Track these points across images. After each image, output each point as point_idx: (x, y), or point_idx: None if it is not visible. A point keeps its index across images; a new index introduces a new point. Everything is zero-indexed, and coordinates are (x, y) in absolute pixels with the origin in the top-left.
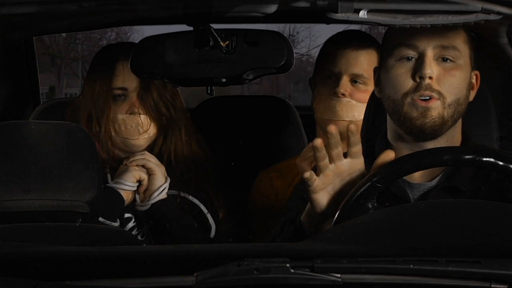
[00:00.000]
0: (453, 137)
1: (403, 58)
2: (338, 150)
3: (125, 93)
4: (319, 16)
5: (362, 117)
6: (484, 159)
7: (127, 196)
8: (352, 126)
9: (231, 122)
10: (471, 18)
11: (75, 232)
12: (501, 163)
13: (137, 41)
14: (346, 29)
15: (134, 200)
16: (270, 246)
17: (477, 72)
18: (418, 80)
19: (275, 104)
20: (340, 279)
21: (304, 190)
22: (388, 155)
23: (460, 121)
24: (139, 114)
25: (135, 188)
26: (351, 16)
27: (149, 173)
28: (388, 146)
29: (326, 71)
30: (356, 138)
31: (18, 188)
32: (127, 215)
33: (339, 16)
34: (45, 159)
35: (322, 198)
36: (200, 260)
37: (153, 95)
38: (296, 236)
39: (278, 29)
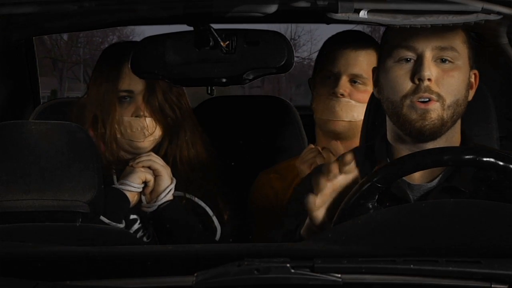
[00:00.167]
0: (452, 137)
1: (401, 60)
2: (334, 171)
3: (130, 96)
4: (319, 16)
5: (361, 117)
6: (484, 159)
7: (132, 198)
8: (348, 156)
9: (231, 122)
10: (471, 18)
11: (75, 232)
12: (501, 163)
13: None
14: (352, 29)
15: (139, 201)
16: (270, 246)
17: (475, 71)
18: (417, 82)
19: (275, 104)
20: (340, 279)
21: (303, 192)
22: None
23: (459, 121)
24: (145, 117)
25: (140, 190)
26: (351, 16)
27: (155, 174)
28: (388, 147)
29: (325, 72)
30: (349, 158)
31: (18, 188)
32: (132, 216)
33: (339, 16)
34: (45, 159)
35: (321, 214)
36: (200, 260)
37: (159, 97)
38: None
39: (280, 31)
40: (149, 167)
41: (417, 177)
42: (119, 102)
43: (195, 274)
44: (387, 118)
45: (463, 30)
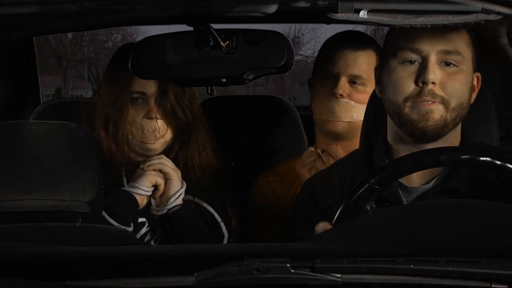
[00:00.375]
0: (453, 139)
1: (406, 61)
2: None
3: (143, 97)
4: (319, 16)
5: (360, 118)
6: (482, 158)
7: (142, 201)
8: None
9: (231, 122)
10: (471, 18)
11: (75, 232)
12: (498, 162)
13: None
14: (351, 29)
15: (148, 204)
16: (270, 246)
17: (478, 74)
18: (420, 85)
19: (275, 104)
20: (340, 279)
21: (312, 186)
22: None
23: (460, 123)
24: (157, 119)
25: (150, 193)
26: (351, 16)
27: (166, 177)
28: (388, 147)
29: (325, 72)
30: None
31: (18, 188)
32: (140, 219)
33: (339, 16)
34: (45, 159)
35: None
36: (200, 260)
37: (171, 100)
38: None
39: (283, 31)
40: (160, 170)
41: (413, 179)
42: (131, 103)
43: (195, 274)
44: (388, 119)
45: (467, 33)
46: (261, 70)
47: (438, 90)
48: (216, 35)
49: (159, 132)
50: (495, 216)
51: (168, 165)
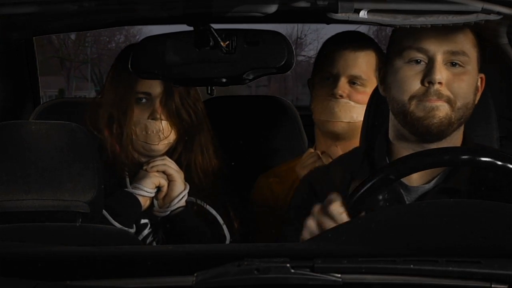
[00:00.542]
0: (457, 139)
1: (411, 61)
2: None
3: (148, 98)
4: (319, 16)
5: (360, 118)
6: (500, 162)
7: (144, 202)
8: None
9: (231, 122)
10: (471, 18)
11: (75, 232)
12: (499, 163)
13: None
14: (350, 29)
15: (151, 205)
16: (270, 246)
17: (482, 75)
18: (427, 85)
19: (275, 104)
20: (340, 279)
21: (309, 186)
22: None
23: (463, 124)
24: (161, 120)
25: (153, 194)
26: (351, 16)
27: (169, 179)
28: (389, 146)
29: (324, 73)
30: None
31: (18, 188)
32: (143, 221)
33: (339, 16)
34: (45, 159)
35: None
36: (200, 260)
37: (176, 101)
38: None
39: (286, 32)
40: (163, 172)
41: (414, 178)
42: (136, 103)
43: (195, 274)
44: (391, 117)
45: (473, 34)
46: (261, 70)
47: (444, 90)
48: (216, 35)
49: (163, 133)
50: (495, 216)
51: (171, 166)
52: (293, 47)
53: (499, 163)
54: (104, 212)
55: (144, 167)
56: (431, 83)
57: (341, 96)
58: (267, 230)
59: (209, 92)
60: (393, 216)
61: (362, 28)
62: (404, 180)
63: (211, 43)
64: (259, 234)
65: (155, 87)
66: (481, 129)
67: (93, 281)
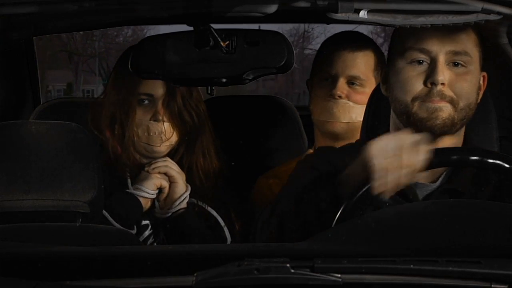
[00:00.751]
0: (459, 139)
1: (414, 61)
2: None
3: (150, 99)
4: (319, 16)
5: (359, 118)
6: (507, 165)
7: (145, 203)
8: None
9: (231, 122)
10: (471, 18)
11: (75, 232)
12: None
13: None
14: (349, 29)
15: (152, 207)
16: (270, 246)
17: (484, 74)
18: (429, 85)
19: (275, 104)
20: (340, 279)
21: (307, 166)
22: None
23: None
24: (163, 121)
25: (154, 196)
26: (351, 16)
27: (171, 180)
28: None
29: (323, 73)
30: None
31: (18, 188)
32: (144, 222)
33: (339, 16)
34: (45, 159)
35: None
36: (200, 260)
37: (178, 102)
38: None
39: (292, 26)
40: (165, 173)
41: (422, 176)
42: (138, 104)
43: (195, 274)
44: (392, 117)
45: (475, 33)
46: (261, 70)
47: (447, 91)
48: (216, 35)
49: (165, 134)
50: (495, 216)
51: (173, 168)
52: (292, 47)
53: (500, 163)
54: (105, 213)
55: (146, 168)
56: (434, 84)
57: (340, 97)
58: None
59: (209, 92)
60: (393, 216)
61: (363, 28)
62: None
63: (211, 43)
64: (258, 234)
65: (158, 89)
66: (481, 129)
67: (93, 281)
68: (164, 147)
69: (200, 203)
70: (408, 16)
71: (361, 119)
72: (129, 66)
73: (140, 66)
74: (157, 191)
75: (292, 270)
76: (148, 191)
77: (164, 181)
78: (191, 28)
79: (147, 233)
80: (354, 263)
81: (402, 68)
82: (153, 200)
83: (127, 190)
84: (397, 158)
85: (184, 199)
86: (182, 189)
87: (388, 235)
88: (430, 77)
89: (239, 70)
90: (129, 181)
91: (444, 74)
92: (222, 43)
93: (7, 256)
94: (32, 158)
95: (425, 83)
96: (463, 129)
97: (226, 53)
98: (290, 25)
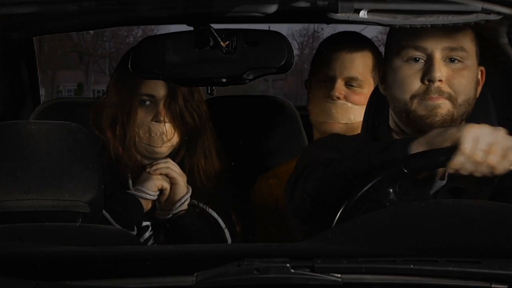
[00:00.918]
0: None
1: (410, 59)
2: None
3: (152, 100)
4: (319, 16)
5: (358, 119)
6: None
7: (146, 205)
8: None
9: (231, 122)
10: (471, 18)
11: (75, 232)
12: None
13: None
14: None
15: (153, 208)
16: (270, 246)
17: (482, 68)
18: (427, 83)
19: (275, 104)
20: (340, 279)
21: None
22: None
23: (464, 121)
24: (165, 122)
25: (155, 197)
26: (351, 16)
27: (172, 182)
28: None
29: (321, 74)
30: None
31: (18, 188)
32: (144, 223)
33: (339, 16)
34: (45, 159)
35: None
36: (200, 260)
37: (179, 103)
38: None
39: (302, 26)
40: (166, 175)
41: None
42: (139, 105)
43: (195, 274)
44: (392, 116)
45: (470, 28)
46: (261, 70)
47: (445, 87)
48: (216, 35)
49: (167, 135)
50: (495, 216)
51: (174, 169)
52: (292, 47)
53: None
54: (106, 213)
55: (147, 170)
56: (431, 81)
57: (338, 98)
58: (267, 230)
59: (209, 92)
60: (393, 216)
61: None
62: None
63: (211, 43)
64: (258, 234)
65: (159, 90)
66: None
67: (93, 281)
68: (165, 148)
69: (201, 204)
70: (408, 16)
71: (360, 119)
72: (129, 66)
73: (140, 66)
74: (158, 193)
75: (292, 270)
76: (149, 192)
77: (165, 183)
78: (191, 28)
79: (147, 234)
80: (354, 263)
81: (399, 67)
82: (154, 201)
83: (128, 191)
84: (485, 153)
85: (185, 201)
86: (183, 191)
87: (388, 235)
88: (427, 74)
89: (239, 70)
90: (130, 182)
91: (441, 70)
92: (222, 43)
93: (7, 256)
94: (32, 158)
95: (422, 81)
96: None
97: (226, 53)
98: (300, 25)
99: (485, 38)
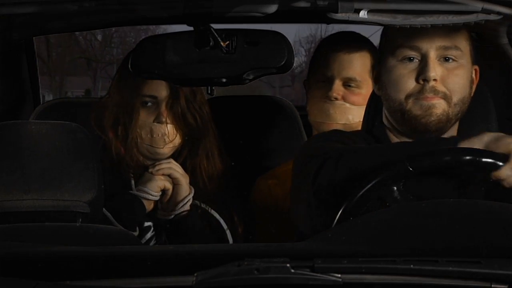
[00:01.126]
0: (453, 135)
1: (405, 59)
2: None
3: (154, 101)
4: (319, 16)
5: (356, 119)
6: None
7: (148, 205)
8: None
9: (231, 122)
10: (471, 18)
11: (75, 232)
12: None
13: None
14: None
15: (155, 208)
16: (270, 246)
17: (476, 67)
18: (422, 82)
19: (275, 104)
20: (340, 279)
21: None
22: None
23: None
24: (167, 123)
25: (158, 198)
26: (351, 16)
27: (174, 183)
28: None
29: (320, 75)
30: None
31: (18, 188)
32: (146, 224)
33: (339, 16)
34: (45, 159)
35: None
36: (200, 260)
37: (182, 104)
38: None
39: (311, 26)
40: (169, 175)
41: None
42: (142, 106)
43: (195, 274)
44: (386, 116)
45: (464, 27)
46: (261, 70)
47: (439, 87)
48: (216, 35)
49: (169, 136)
50: (495, 216)
51: (177, 170)
52: (292, 47)
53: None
54: (108, 214)
55: (150, 170)
56: (426, 80)
57: (336, 99)
58: (267, 231)
59: (209, 92)
60: (393, 216)
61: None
62: None
63: (211, 43)
64: (258, 235)
65: (161, 91)
66: (481, 129)
67: (93, 281)
68: (167, 149)
69: (203, 205)
70: (408, 16)
71: (358, 120)
72: (129, 66)
73: (140, 66)
74: (160, 193)
75: (292, 270)
76: (151, 193)
77: (168, 183)
78: (191, 28)
79: (149, 235)
80: (354, 263)
81: (393, 67)
82: (156, 202)
83: (131, 192)
84: None
85: (187, 202)
86: (185, 192)
87: (388, 235)
88: (421, 74)
89: (239, 70)
90: (132, 182)
91: (435, 70)
92: (222, 43)
93: (7, 256)
94: (32, 158)
95: (417, 80)
96: (456, 125)
97: (226, 53)
98: (309, 25)
99: (485, 38)
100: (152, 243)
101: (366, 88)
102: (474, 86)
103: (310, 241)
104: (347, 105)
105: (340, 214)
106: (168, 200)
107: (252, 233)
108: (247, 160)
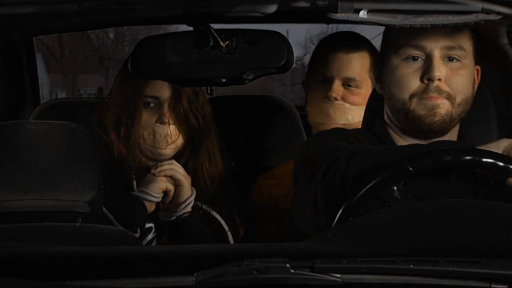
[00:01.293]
0: (455, 136)
1: (409, 58)
2: None
3: (156, 102)
4: (319, 16)
5: (356, 119)
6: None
7: (150, 206)
8: None
9: (231, 122)
10: (471, 18)
11: (75, 232)
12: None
13: None
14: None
15: (156, 209)
16: (270, 246)
17: (478, 67)
18: (426, 82)
19: (275, 104)
20: (340, 279)
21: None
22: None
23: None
24: (169, 124)
25: (160, 199)
26: (351, 16)
27: (176, 184)
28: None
29: (319, 75)
30: None
31: (18, 188)
32: (148, 225)
33: (339, 16)
34: (45, 159)
35: None
36: (200, 260)
37: (184, 105)
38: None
39: (320, 29)
40: (171, 177)
41: None
42: (144, 107)
43: (195, 274)
44: (387, 115)
45: (467, 27)
46: (261, 70)
47: (444, 86)
48: (216, 35)
49: (171, 137)
50: (495, 216)
51: (179, 171)
52: (292, 47)
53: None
54: (109, 214)
55: (152, 171)
56: (431, 80)
57: (336, 99)
58: (266, 231)
59: (208, 92)
60: (393, 216)
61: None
62: None
63: (211, 43)
64: (258, 235)
65: (164, 91)
66: (481, 129)
67: (93, 281)
68: (169, 150)
69: (204, 206)
70: (408, 16)
71: (358, 120)
72: (129, 66)
73: (140, 66)
74: (162, 194)
75: (292, 270)
76: (153, 194)
77: (170, 184)
78: (191, 28)
79: (150, 236)
80: (354, 263)
81: (397, 66)
82: (157, 203)
83: (132, 193)
84: None
85: (189, 203)
86: (187, 193)
87: (388, 235)
88: (426, 73)
89: (239, 70)
90: (134, 183)
91: (440, 69)
92: (222, 43)
93: (7, 256)
94: (32, 158)
95: (421, 80)
96: (457, 128)
97: (226, 53)
98: (317, 25)
99: (485, 38)
100: (153, 244)
101: (366, 88)
102: (476, 87)
103: (309, 241)
104: (347, 105)
105: (340, 214)
106: (170, 201)
107: (252, 233)
108: (247, 160)
